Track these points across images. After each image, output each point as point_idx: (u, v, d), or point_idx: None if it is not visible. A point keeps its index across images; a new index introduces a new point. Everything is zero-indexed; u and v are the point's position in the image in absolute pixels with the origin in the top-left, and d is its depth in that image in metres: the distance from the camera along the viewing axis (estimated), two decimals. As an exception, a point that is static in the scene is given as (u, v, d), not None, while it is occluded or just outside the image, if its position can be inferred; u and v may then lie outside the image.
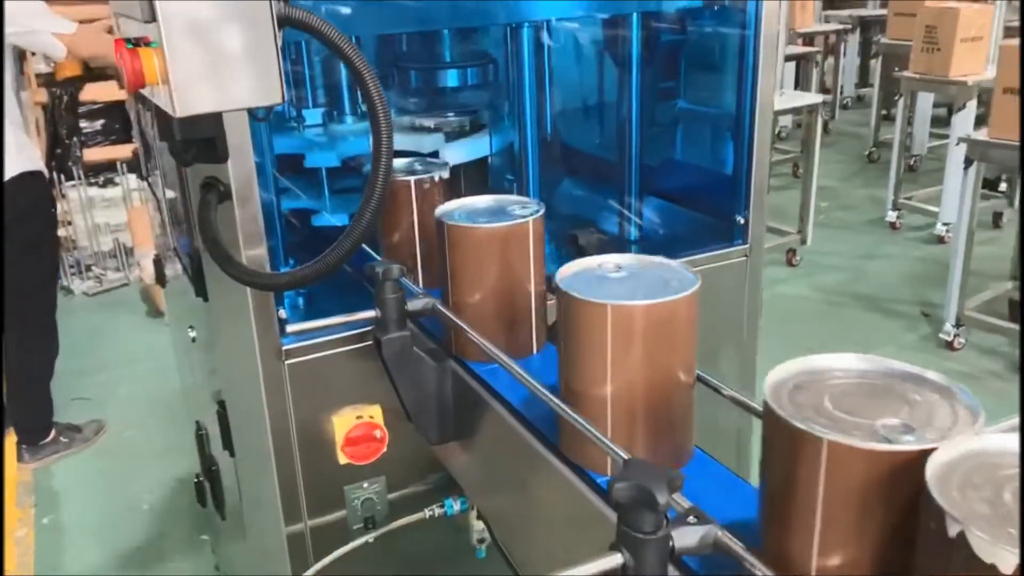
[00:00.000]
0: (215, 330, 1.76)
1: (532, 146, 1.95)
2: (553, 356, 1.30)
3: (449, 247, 1.41)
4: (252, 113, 1.41)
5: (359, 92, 1.89)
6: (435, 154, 1.93)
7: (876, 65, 7.69)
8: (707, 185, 2.19)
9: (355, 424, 1.68)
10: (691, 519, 0.88)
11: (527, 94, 1.88)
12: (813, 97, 5.37)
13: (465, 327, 1.38)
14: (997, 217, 5.81)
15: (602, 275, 1.14)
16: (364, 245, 1.74)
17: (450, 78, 1.97)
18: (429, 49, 2.06)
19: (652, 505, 0.80)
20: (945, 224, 5.57)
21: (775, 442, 0.82)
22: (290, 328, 1.45)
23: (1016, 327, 4.36)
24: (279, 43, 1.17)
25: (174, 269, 2.30)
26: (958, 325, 4.26)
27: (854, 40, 8.80)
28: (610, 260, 1.16)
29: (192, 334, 2.08)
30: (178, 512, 3.29)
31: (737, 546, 0.86)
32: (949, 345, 4.26)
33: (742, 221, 2.02)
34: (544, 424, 1.23)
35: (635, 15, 1.97)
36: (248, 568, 2.07)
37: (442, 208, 1.47)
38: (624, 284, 1.11)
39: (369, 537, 1.75)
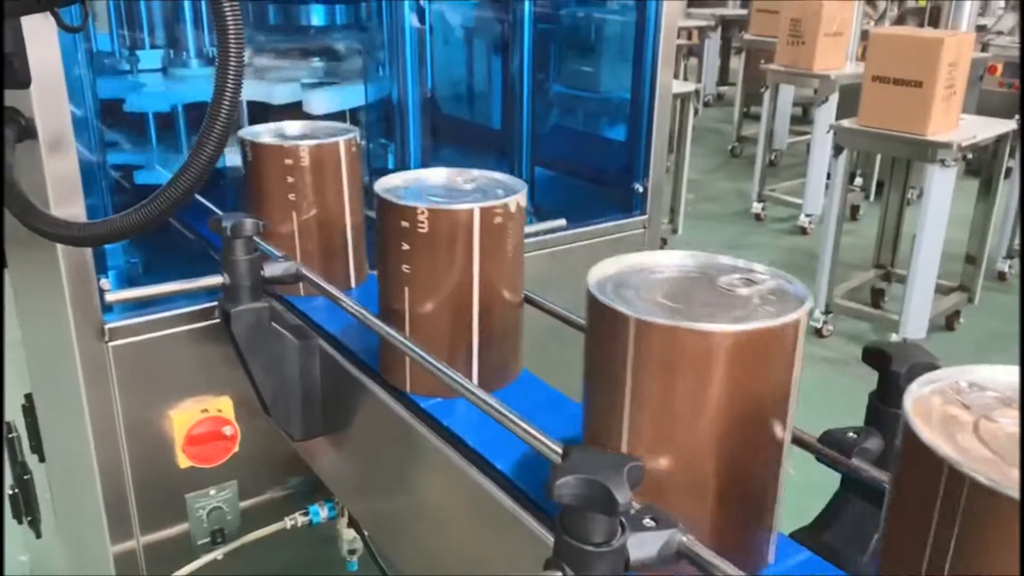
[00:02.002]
0: (18, 305, 1.42)
1: (413, 101, 1.71)
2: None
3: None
4: (61, 21, 1.10)
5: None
6: (298, 104, 1.66)
7: (737, 64, 7.85)
8: (607, 153, 2.03)
9: (199, 419, 1.42)
10: (647, 521, 0.67)
11: (408, 38, 1.64)
12: (685, 85, 5.35)
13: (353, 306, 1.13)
14: (854, 210, 5.99)
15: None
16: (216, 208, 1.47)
17: (316, 15, 1.69)
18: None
19: (609, 507, 0.59)
20: (808, 215, 5.69)
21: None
22: (111, 297, 1.16)
23: (879, 312, 4.46)
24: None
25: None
26: (827, 312, 4.30)
27: (715, 38, 8.97)
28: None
29: (-5, 315, 1.72)
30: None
31: (708, 555, 0.65)
32: (818, 332, 4.30)
33: (641, 189, 1.87)
34: (438, 409, 1.00)
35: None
36: (68, 596, 1.73)
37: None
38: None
39: (218, 554, 1.49)
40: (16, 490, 1.96)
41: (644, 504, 0.69)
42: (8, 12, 1.00)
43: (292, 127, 1.37)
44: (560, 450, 0.69)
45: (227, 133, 0.97)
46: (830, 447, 0.82)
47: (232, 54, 0.95)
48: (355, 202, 1.33)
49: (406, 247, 0.98)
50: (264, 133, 1.33)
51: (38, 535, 1.84)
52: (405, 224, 0.97)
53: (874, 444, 0.81)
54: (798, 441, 0.82)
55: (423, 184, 1.08)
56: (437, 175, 1.10)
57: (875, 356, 0.84)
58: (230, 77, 0.96)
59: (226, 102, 0.96)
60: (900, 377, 0.80)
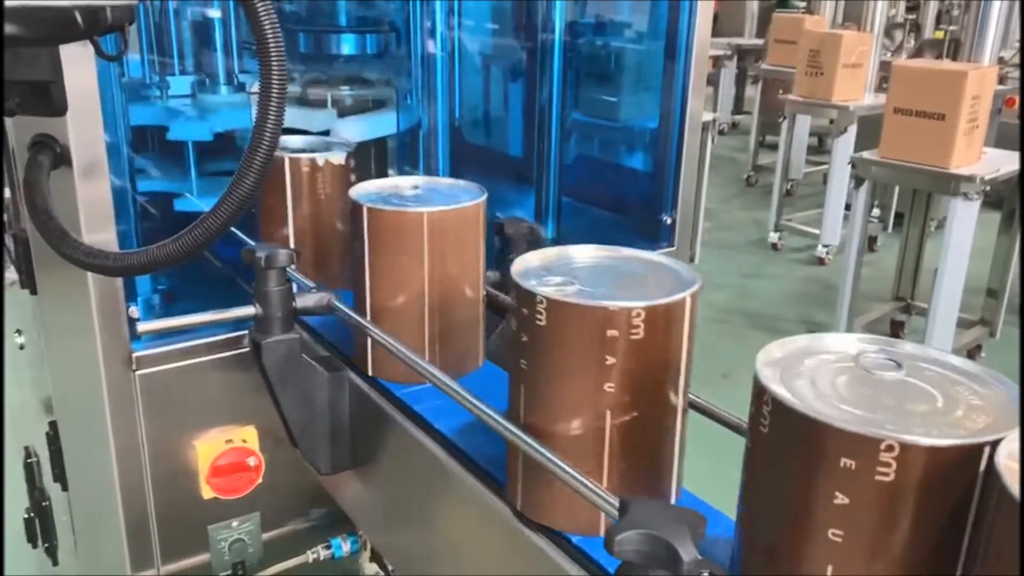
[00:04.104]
0: (46, 332, 1.41)
1: (442, 129, 1.70)
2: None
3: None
4: (101, 50, 1.09)
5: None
6: (327, 132, 1.65)
7: (753, 92, 7.86)
8: (633, 183, 2.01)
9: (224, 450, 1.40)
10: (705, 577, 0.64)
11: (438, 67, 1.64)
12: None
13: (381, 336, 1.09)
14: (872, 241, 5.96)
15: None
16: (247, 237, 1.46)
17: (346, 44, 1.69)
18: (321, 9, 1.78)
19: (673, 564, 0.57)
20: (825, 246, 5.67)
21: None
22: (141, 327, 1.14)
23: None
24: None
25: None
26: (846, 344, 4.25)
27: (731, 67, 8.99)
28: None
29: (19, 340, 1.71)
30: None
31: (768, 614, 0.63)
32: (837, 364, 4.25)
33: (668, 221, 1.85)
34: (483, 458, 0.98)
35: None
36: (85, 625, 1.71)
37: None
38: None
39: (238, 586, 1.45)
40: (33, 515, 1.94)
41: (701, 559, 0.66)
42: (52, 40, 1.00)
43: (559, 255, 0.90)
44: (615, 502, 0.67)
45: (268, 164, 0.96)
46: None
47: (275, 84, 0.94)
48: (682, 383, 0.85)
49: None
50: (541, 267, 0.87)
51: (55, 562, 1.82)
52: None
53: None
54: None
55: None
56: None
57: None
58: (272, 107, 0.95)
59: (268, 132, 0.95)
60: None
